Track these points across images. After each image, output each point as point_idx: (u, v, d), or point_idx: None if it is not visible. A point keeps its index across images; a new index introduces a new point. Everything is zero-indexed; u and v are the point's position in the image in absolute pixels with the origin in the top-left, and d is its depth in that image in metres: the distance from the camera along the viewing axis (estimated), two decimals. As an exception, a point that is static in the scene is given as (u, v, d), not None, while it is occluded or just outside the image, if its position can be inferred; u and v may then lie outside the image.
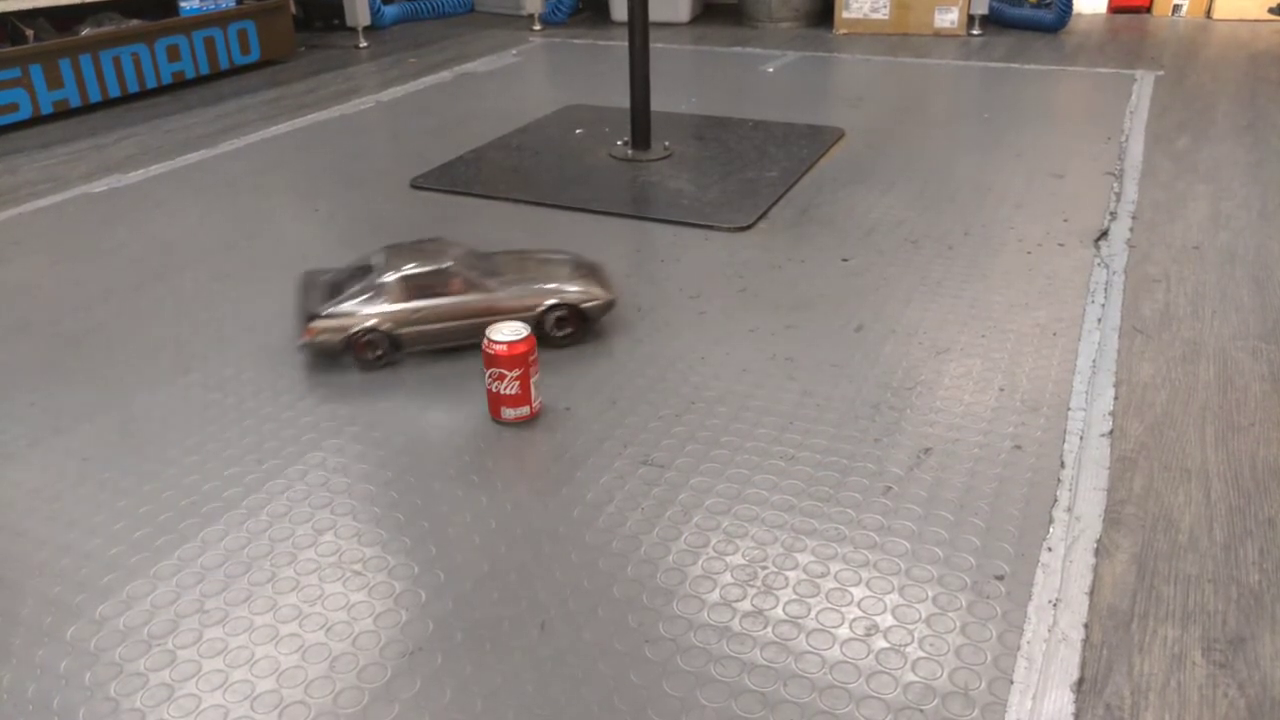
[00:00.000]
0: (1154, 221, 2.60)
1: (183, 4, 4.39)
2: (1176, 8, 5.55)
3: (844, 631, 1.28)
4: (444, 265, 1.92)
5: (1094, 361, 1.91)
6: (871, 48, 4.96)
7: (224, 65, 4.57)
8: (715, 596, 1.34)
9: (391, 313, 1.89)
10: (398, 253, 1.96)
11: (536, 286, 1.97)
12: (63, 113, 3.96)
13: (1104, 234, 2.51)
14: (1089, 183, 2.88)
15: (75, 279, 2.43)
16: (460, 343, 1.93)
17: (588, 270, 2.07)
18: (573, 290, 1.98)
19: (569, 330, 1.99)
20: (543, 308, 1.95)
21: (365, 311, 1.89)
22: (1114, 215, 2.63)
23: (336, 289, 1.94)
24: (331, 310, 1.89)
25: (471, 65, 4.79)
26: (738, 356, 1.97)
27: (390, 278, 1.90)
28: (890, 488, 1.56)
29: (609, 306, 2.02)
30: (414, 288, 1.90)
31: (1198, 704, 1.17)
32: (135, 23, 4.23)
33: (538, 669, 1.24)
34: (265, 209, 2.90)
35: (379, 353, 1.92)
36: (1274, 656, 1.24)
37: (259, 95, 4.32)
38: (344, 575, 1.40)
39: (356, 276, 1.95)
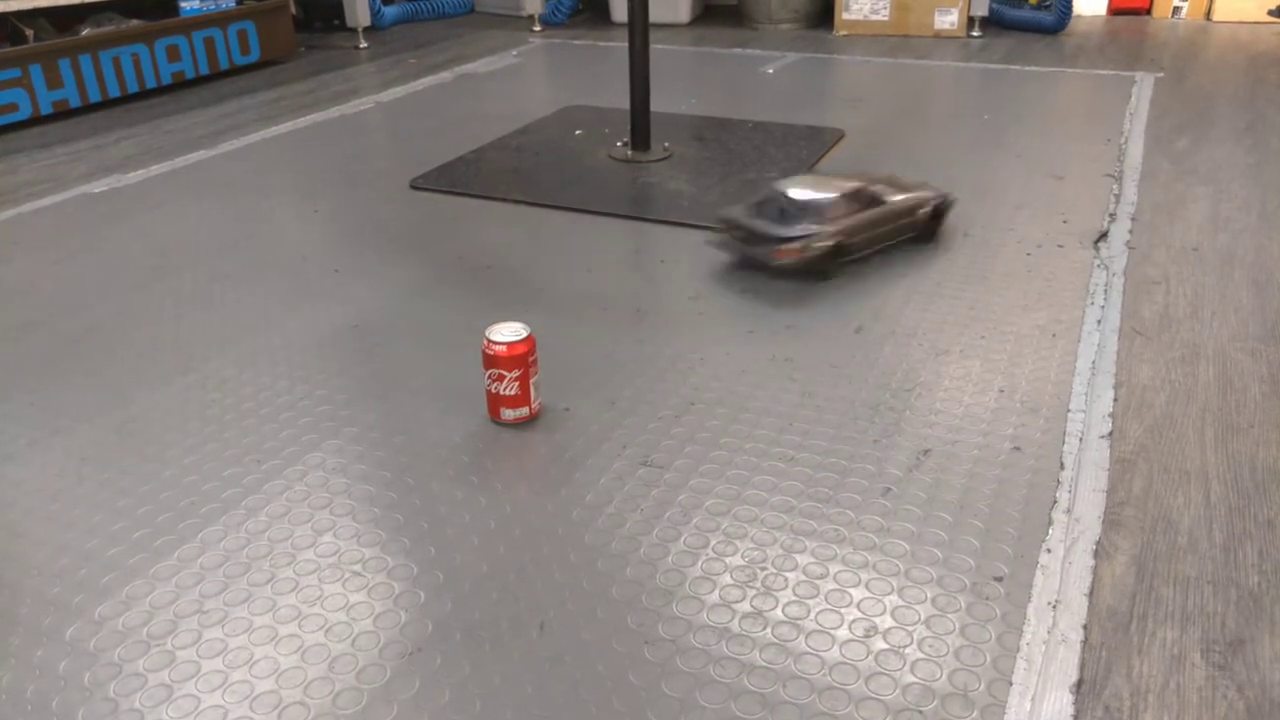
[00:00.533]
0: (1154, 223, 2.60)
1: (183, 4, 4.39)
2: (1176, 9, 5.56)
3: (843, 633, 1.28)
4: (861, 184, 2.37)
5: (1093, 363, 1.91)
6: (871, 49, 4.96)
7: (224, 66, 4.57)
8: (714, 598, 1.34)
9: (847, 226, 2.30)
10: (807, 182, 2.42)
11: (915, 193, 2.46)
12: (62, 113, 3.96)
13: (1103, 235, 2.51)
14: (1088, 184, 2.88)
15: (74, 279, 2.43)
16: (886, 244, 2.40)
17: (924, 184, 2.55)
18: (934, 193, 2.49)
19: (935, 227, 2.50)
20: (927, 207, 2.46)
21: (825, 229, 2.27)
22: (1113, 217, 2.63)
23: (770, 214, 2.32)
24: (792, 233, 2.26)
25: (471, 66, 4.79)
26: (737, 357, 1.97)
27: (834, 196, 2.32)
28: (889, 489, 1.56)
29: (951, 203, 2.53)
30: (850, 204, 2.33)
31: (1197, 706, 1.17)
32: (135, 23, 4.23)
33: (536, 670, 1.24)
34: (265, 209, 2.90)
35: (829, 263, 2.31)
36: (1273, 659, 1.24)
37: (259, 96, 4.32)
38: (343, 576, 1.40)
39: (773, 202, 2.34)
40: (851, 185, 2.34)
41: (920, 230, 2.46)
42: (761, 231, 2.29)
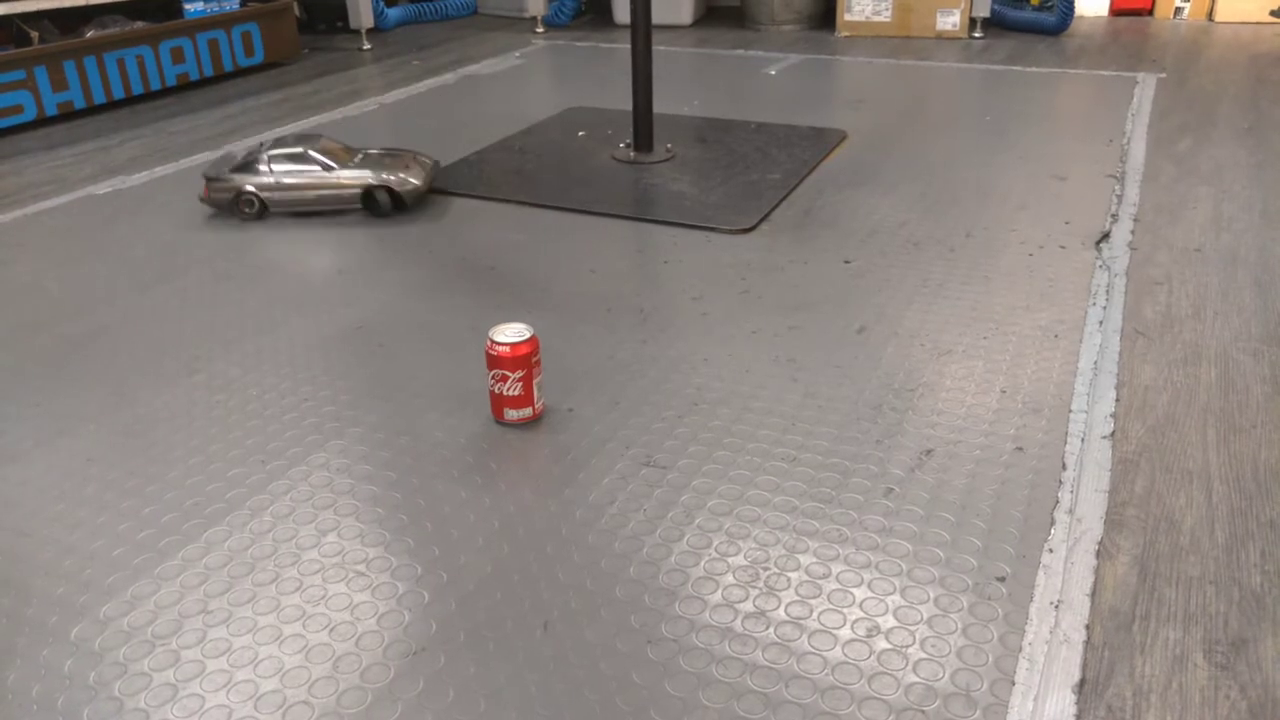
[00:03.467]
0: (1156, 224, 2.60)
1: (187, 6, 4.41)
2: (1178, 10, 5.56)
3: (846, 632, 1.28)
4: (299, 149, 2.73)
5: (1096, 363, 1.91)
6: (873, 50, 4.96)
7: (228, 67, 4.58)
8: (717, 597, 1.35)
9: (261, 182, 2.71)
10: (280, 140, 2.80)
11: (361, 173, 2.74)
12: (67, 114, 3.98)
13: (1106, 236, 2.51)
14: (1091, 185, 2.88)
15: (80, 280, 2.44)
16: (311, 209, 2.75)
17: (412, 162, 2.84)
18: (386, 178, 2.74)
19: (381, 206, 2.75)
20: (362, 188, 2.73)
21: (243, 178, 2.71)
22: (1115, 217, 2.64)
23: (228, 161, 2.79)
24: (216, 175, 2.73)
25: (475, 67, 4.80)
26: (740, 358, 1.97)
27: (260, 155, 2.73)
28: (892, 489, 1.56)
29: (419, 193, 2.79)
30: (279, 163, 2.72)
31: (1199, 705, 1.17)
32: (140, 25, 4.24)
33: (540, 669, 1.24)
34: (269, 211, 2.91)
35: (251, 211, 2.73)
36: (1275, 658, 1.24)
37: (263, 97, 4.33)
38: (347, 576, 1.41)
39: (250, 153, 2.76)
40: (296, 149, 2.73)
41: (368, 205, 2.75)
42: (207, 169, 2.79)
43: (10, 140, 3.71)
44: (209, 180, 2.73)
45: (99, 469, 1.67)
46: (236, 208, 2.71)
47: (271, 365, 1.99)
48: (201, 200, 2.75)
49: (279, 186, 2.71)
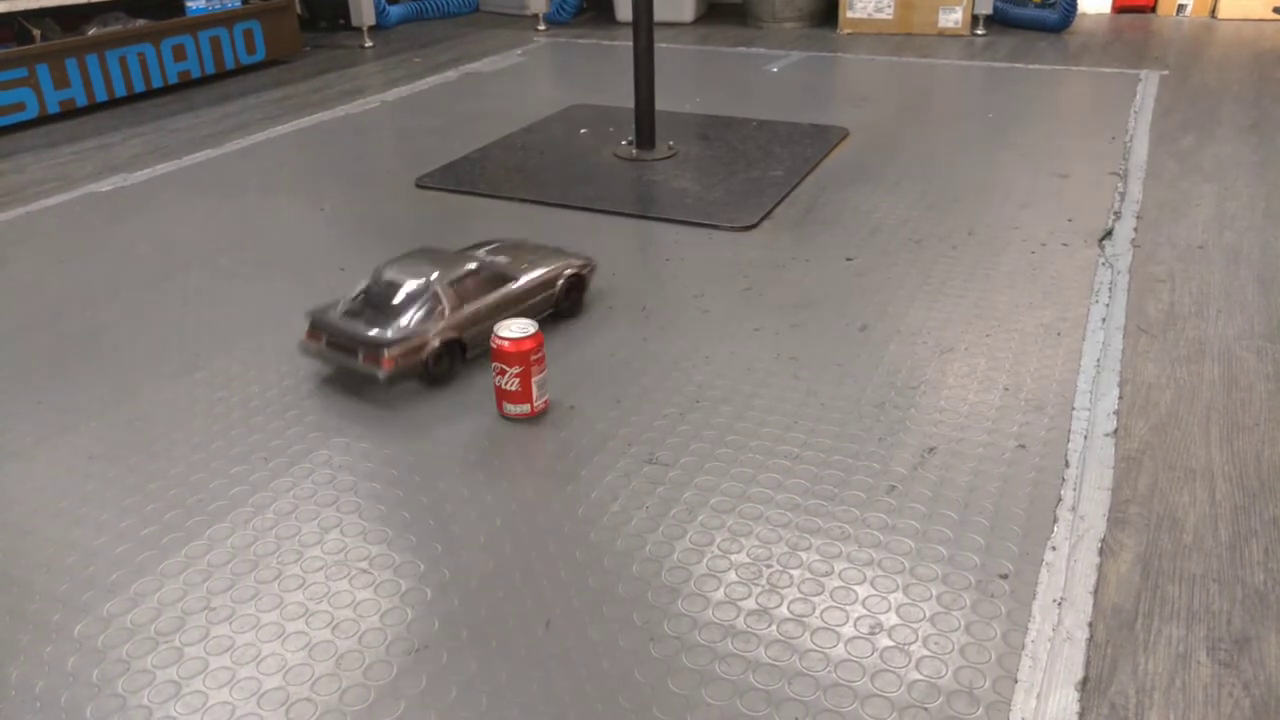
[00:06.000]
0: (1158, 221, 2.60)
1: (189, 4, 4.40)
2: (1181, 7, 5.54)
3: (849, 630, 1.28)
4: (473, 265, 1.96)
5: (1098, 361, 1.91)
6: (875, 47, 4.96)
7: (230, 65, 4.58)
8: (720, 595, 1.35)
9: (456, 320, 1.88)
10: (407, 266, 1.93)
11: (549, 265, 2.11)
12: (69, 112, 3.97)
13: (1108, 234, 2.51)
14: (1093, 182, 2.88)
15: (82, 278, 2.44)
16: None
17: (561, 250, 2.22)
18: (573, 261, 2.16)
19: (575, 298, 2.17)
20: (563, 279, 2.11)
21: (430, 326, 1.85)
22: (1118, 215, 2.63)
23: (369, 314, 1.87)
24: (397, 336, 1.81)
25: (476, 65, 4.79)
26: (742, 356, 1.97)
27: (438, 287, 1.88)
28: (895, 486, 1.56)
29: (594, 269, 2.22)
30: (462, 291, 1.91)
31: (1203, 703, 1.17)
32: (141, 22, 4.24)
33: (542, 667, 1.24)
34: (271, 208, 2.91)
35: (444, 365, 1.89)
36: (1279, 656, 1.24)
37: (265, 95, 4.33)
38: (350, 573, 1.41)
39: (375, 295, 1.89)
40: (467, 266, 1.94)
41: (560, 305, 2.11)
42: (353, 335, 1.83)
43: (12, 138, 3.71)
44: (389, 345, 1.80)
45: (101, 466, 1.67)
46: (427, 366, 1.85)
47: (274, 362, 1.99)
48: (383, 379, 1.81)
49: (479, 317, 1.92)
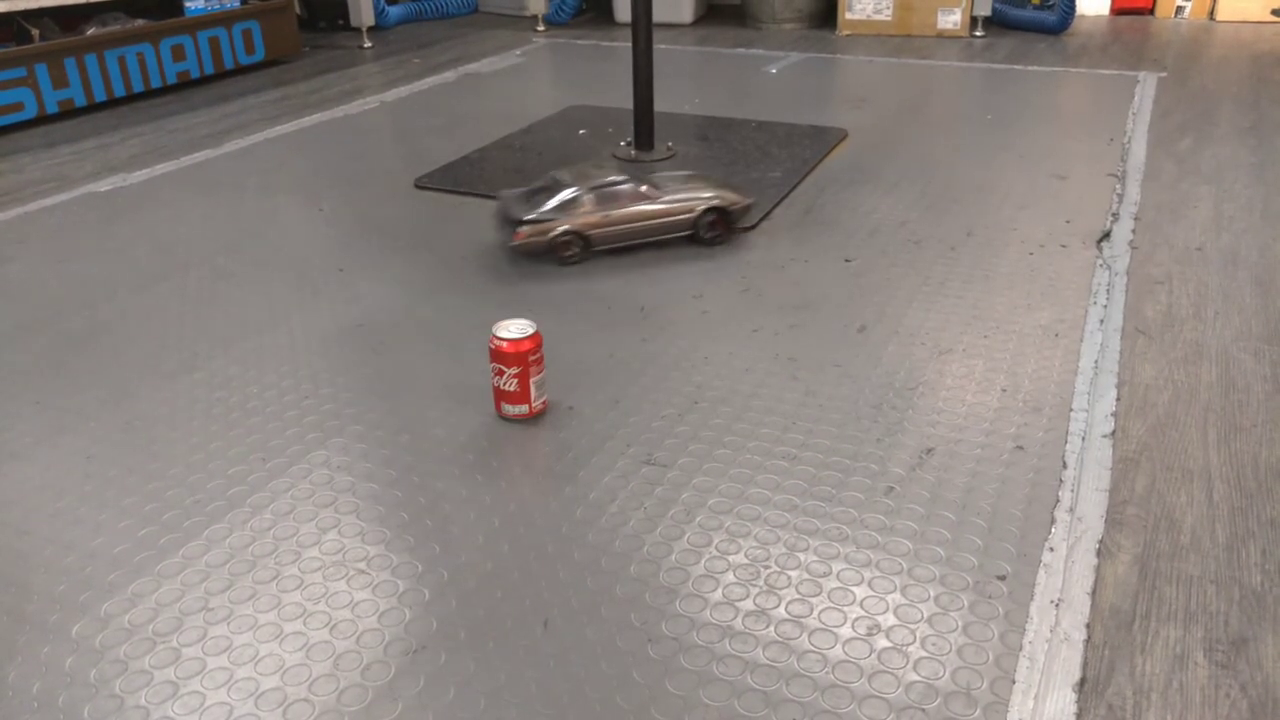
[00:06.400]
0: (1156, 223, 2.60)
1: (188, 4, 4.40)
2: (1179, 9, 5.55)
3: (846, 631, 1.28)
4: (621, 179, 2.38)
5: (1096, 362, 1.91)
6: (874, 49, 4.96)
7: (229, 65, 4.58)
8: (718, 595, 1.35)
9: (586, 220, 2.34)
10: (580, 172, 2.42)
11: (689, 194, 2.43)
12: (68, 112, 3.97)
13: (1106, 235, 2.51)
14: (1091, 184, 2.88)
15: (80, 278, 2.44)
16: (636, 241, 2.41)
17: (725, 183, 2.53)
18: (717, 195, 2.44)
19: (717, 232, 2.46)
20: (698, 210, 2.42)
21: (563, 217, 2.32)
22: (1116, 216, 2.63)
23: (532, 201, 2.36)
24: (534, 217, 2.31)
25: (475, 66, 4.79)
26: (741, 356, 1.97)
27: (581, 191, 2.34)
28: (893, 488, 1.56)
29: (747, 209, 2.49)
30: (600, 198, 2.35)
31: (1200, 704, 1.17)
32: (140, 22, 4.24)
33: (541, 667, 1.24)
34: (269, 208, 2.91)
35: (573, 252, 2.36)
36: (1276, 658, 1.24)
37: (263, 95, 4.33)
38: (348, 573, 1.41)
39: (546, 190, 2.37)
40: (614, 181, 2.38)
41: (702, 232, 2.45)
42: (507, 211, 2.37)
43: (10, 138, 3.71)
44: (524, 223, 2.31)
45: (99, 466, 1.67)
46: (555, 251, 2.34)
47: (272, 363, 1.99)
48: (513, 248, 2.34)
49: (609, 221, 2.37)
